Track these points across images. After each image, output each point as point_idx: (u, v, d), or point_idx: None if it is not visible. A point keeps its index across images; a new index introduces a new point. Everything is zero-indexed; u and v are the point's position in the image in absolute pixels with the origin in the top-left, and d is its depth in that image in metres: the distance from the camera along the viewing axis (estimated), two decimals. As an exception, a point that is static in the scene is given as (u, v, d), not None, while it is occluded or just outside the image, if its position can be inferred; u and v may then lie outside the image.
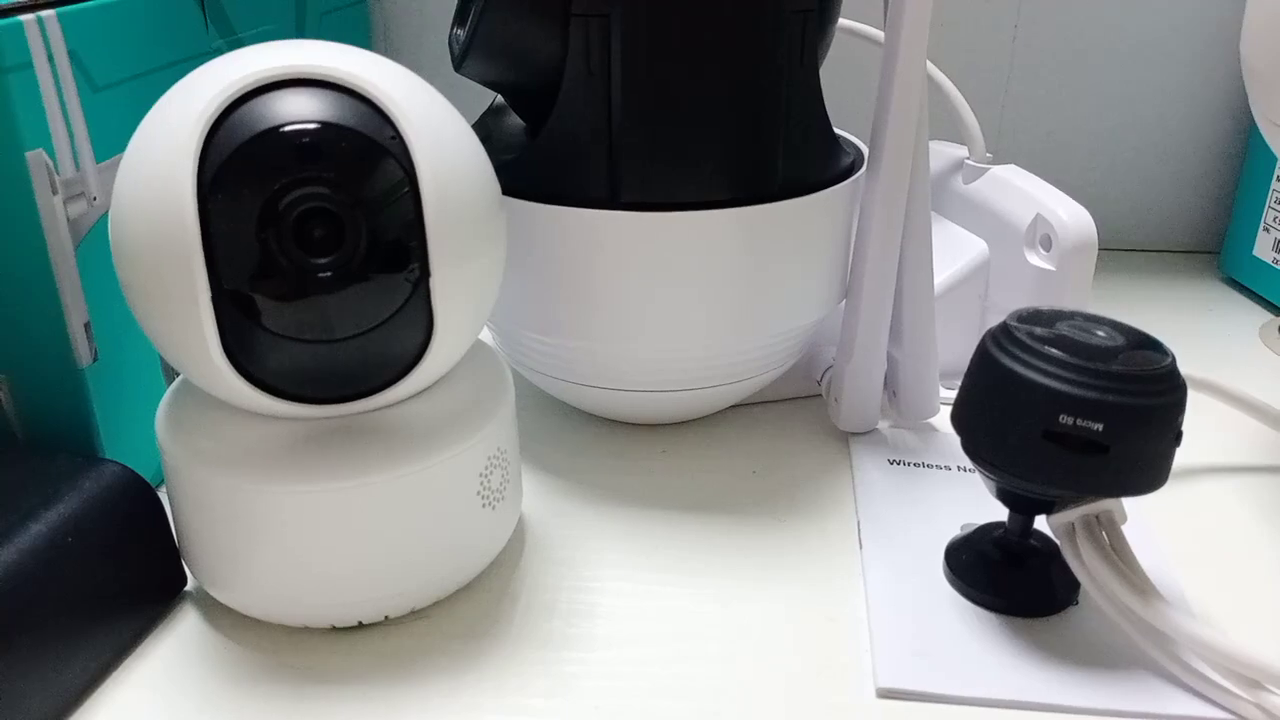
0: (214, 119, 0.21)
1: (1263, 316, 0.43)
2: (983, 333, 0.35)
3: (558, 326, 0.30)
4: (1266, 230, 0.43)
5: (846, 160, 0.31)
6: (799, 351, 0.33)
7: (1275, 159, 0.43)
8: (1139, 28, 0.46)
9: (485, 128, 0.32)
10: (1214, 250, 0.49)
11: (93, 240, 0.28)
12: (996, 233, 0.35)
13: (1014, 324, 0.25)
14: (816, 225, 0.29)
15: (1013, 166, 0.36)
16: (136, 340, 0.29)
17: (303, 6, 0.40)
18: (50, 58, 0.26)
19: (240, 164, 0.21)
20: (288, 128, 0.21)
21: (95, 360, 0.28)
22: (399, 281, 0.22)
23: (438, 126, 0.23)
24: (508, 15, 0.27)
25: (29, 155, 0.25)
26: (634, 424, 0.34)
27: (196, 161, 0.21)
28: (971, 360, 0.25)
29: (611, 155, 0.27)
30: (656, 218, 0.27)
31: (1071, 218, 0.32)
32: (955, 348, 0.34)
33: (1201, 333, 0.42)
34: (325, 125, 0.21)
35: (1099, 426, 0.22)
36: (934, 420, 0.34)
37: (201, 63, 0.31)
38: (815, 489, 0.31)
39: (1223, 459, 0.32)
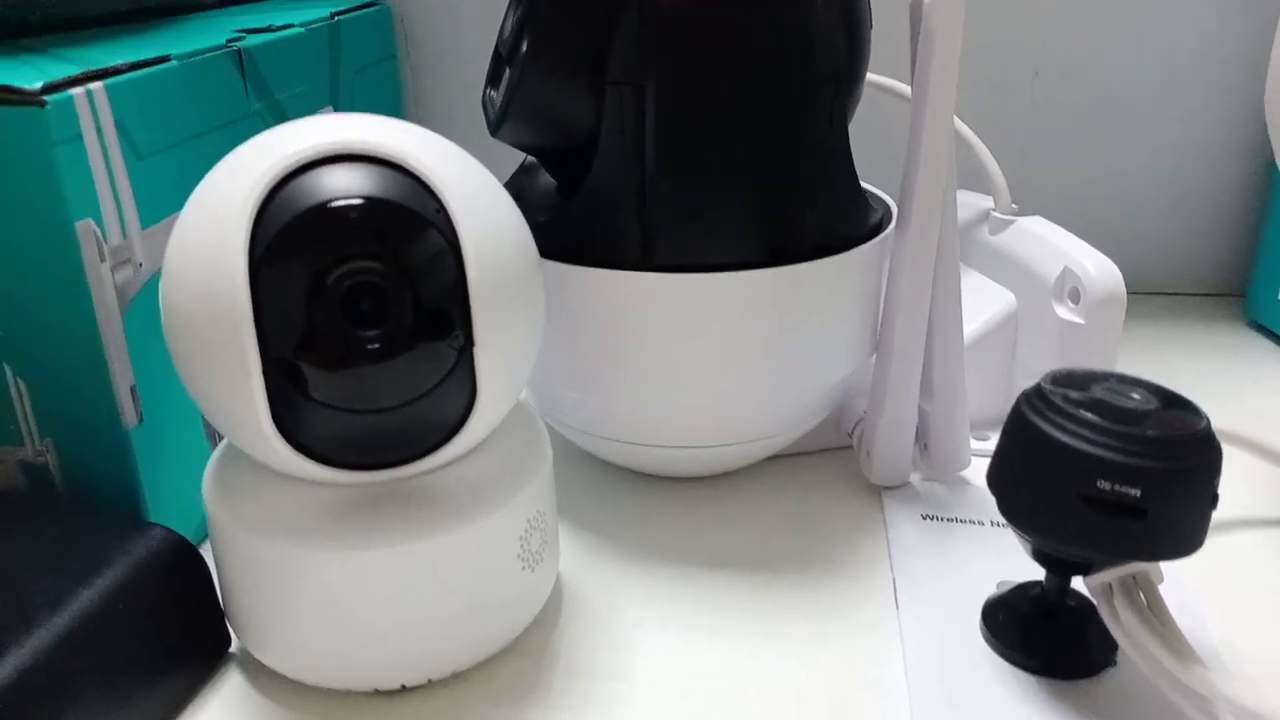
0: (264, 195, 0.22)
1: (1292, 363, 0.43)
2: (1012, 386, 0.36)
3: (589, 383, 0.30)
4: (1293, 276, 0.43)
5: (875, 216, 0.31)
6: (830, 406, 0.33)
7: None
8: (1158, 69, 0.46)
9: (518, 185, 0.33)
10: (1240, 293, 0.49)
11: (139, 305, 0.28)
12: (1024, 284, 0.35)
13: (1048, 387, 0.25)
14: (846, 283, 0.30)
15: (1038, 218, 0.36)
16: (179, 402, 0.30)
17: (336, 66, 0.40)
18: (99, 129, 0.26)
19: (290, 240, 0.21)
20: (336, 203, 0.22)
21: (140, 422, 0.28)
22: (444, 350, 0.22)
23: (478, 196, 0.23)
24: (543, 83, 0.27)
25: (78, 225, 0.26)
26: (667, 478, 0.34)
27: (248, 237, 0.21)
28: (1006, 423, 0.25)
29: (644, 219, 0.27)
30: (689, 279, 0.28)
31: (1099, 270, 0.33)
32: (984, 400, 0.34)
33: (1229, 380, 0.42)
34: (371, 200, 0.22)
35: (1136, 491, 0.22)
36: (965, 472, 0.34)
37: (242, 125, 0.33)
38: (850, 546, 0.31)
39: (1257, 513, 0.32)
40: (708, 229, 0.28)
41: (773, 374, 0.30)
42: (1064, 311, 0.34)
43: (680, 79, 0.26)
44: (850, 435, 0.34)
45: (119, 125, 0.27)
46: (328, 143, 0.22)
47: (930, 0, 0.27)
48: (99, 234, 0.27)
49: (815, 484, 0.34)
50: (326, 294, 0.21)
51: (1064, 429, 0.24)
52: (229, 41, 0.33)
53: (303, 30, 0.37)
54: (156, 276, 0.29)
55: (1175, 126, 0.47)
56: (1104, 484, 0.23)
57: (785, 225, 0.28)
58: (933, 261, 0.30)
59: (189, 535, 0.26)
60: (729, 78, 0.26)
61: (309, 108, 0.38)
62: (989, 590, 0.28)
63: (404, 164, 0.23)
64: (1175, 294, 0.50)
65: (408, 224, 0.22)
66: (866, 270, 0.30)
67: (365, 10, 0.44)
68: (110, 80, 0.27)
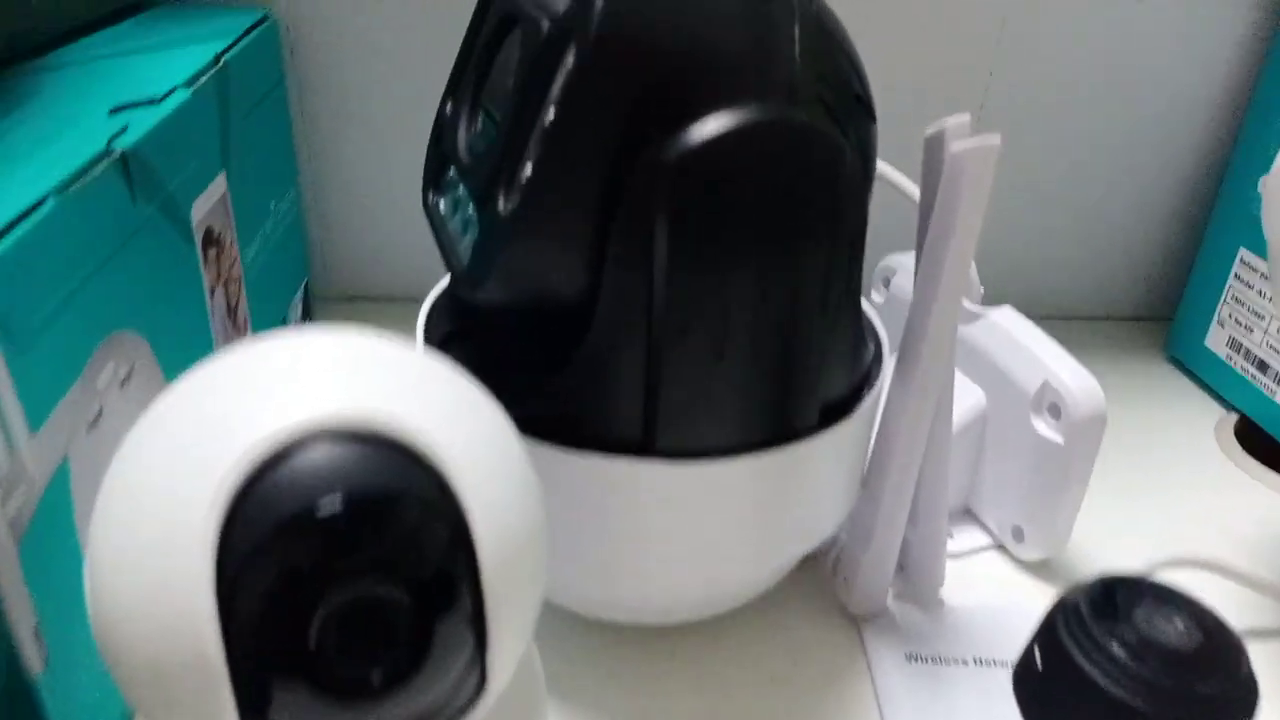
0: (229, 506, 0.17)
1: (1213, 409, 0.44)
2: (975, 484, 0.35)
3: (568, 561, 0.27)
4: (1221, 325, 0.44)
5: (870, 353, 0.29)
6: (813, 542, 0.31)
7: (1236, 245, 0.43)
8: (1109, 91, 0.45)
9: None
10: (1161, 318, 0.49)
11: (36, 528, 0.23)
12: (997, 388, 0.34)
13: (1086, 610, 0.24)
14: (849, 444, 0.28)
15: (1008, 309, 0.35)
16: (88, 636, 0.25)
17: (226, 120, 0.34)
18: (-27, 342, 0.21)
19: (268, 567, 0.17)
20: (323, 508, 0.18)
21: (46, 667, 0.24)
22: (455, 660, 0.19)
23: (486, 458, 0.20)
24: (531, 249, 0.23)
25: (-41, 471, 0.21)
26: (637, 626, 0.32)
27: (213, 565, 0.17)
28: (1040, 633, 0.25)
29: (648, 404, 0.24)
30: (693, 467, 0.25)
31: (1082, 390, 0.32)
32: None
33: (1154, 428, 0.42)
34: (367, 500, 0.18)
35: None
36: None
37: (132, 244, 0.27)
38: (836, 696, 0.30)
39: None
40: (716, 413, 0.25)
41: (767, 544, 0.28)
42: (1043, 427, 0.33)
43: (692, 255, 0.23)
44: (827, 560, 0.33)
45: (-5, 323, 0.22)
46: (301, 422, 0.18)
47: (962, 150, 0.24)
48: (-15, 466, 0.21)
49: (789, 613, 0.33)
50: (321, 629, 0.18)
51: (1098, 664, 0.23)
52: (110, 142, 0.27)
53: (189, 94, 0.31)
54: (51, 490, 0.24)
55: (1115, 151, 0.46)
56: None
57: (796, 403, 0.25)
58: (933, 409, 0.28)
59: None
60: (742, 252, 0.23)
61: (201, 183, 0.32)
62: (983, 750, 0.28)
63: (397, 438, 0.19)
64: (1095, 318, 0.50)
65: (407, 525, 0.18)
66: (866, 423, 0.28)
67: (253, 34, 0.37)
68: (-23, 273, 0.21)
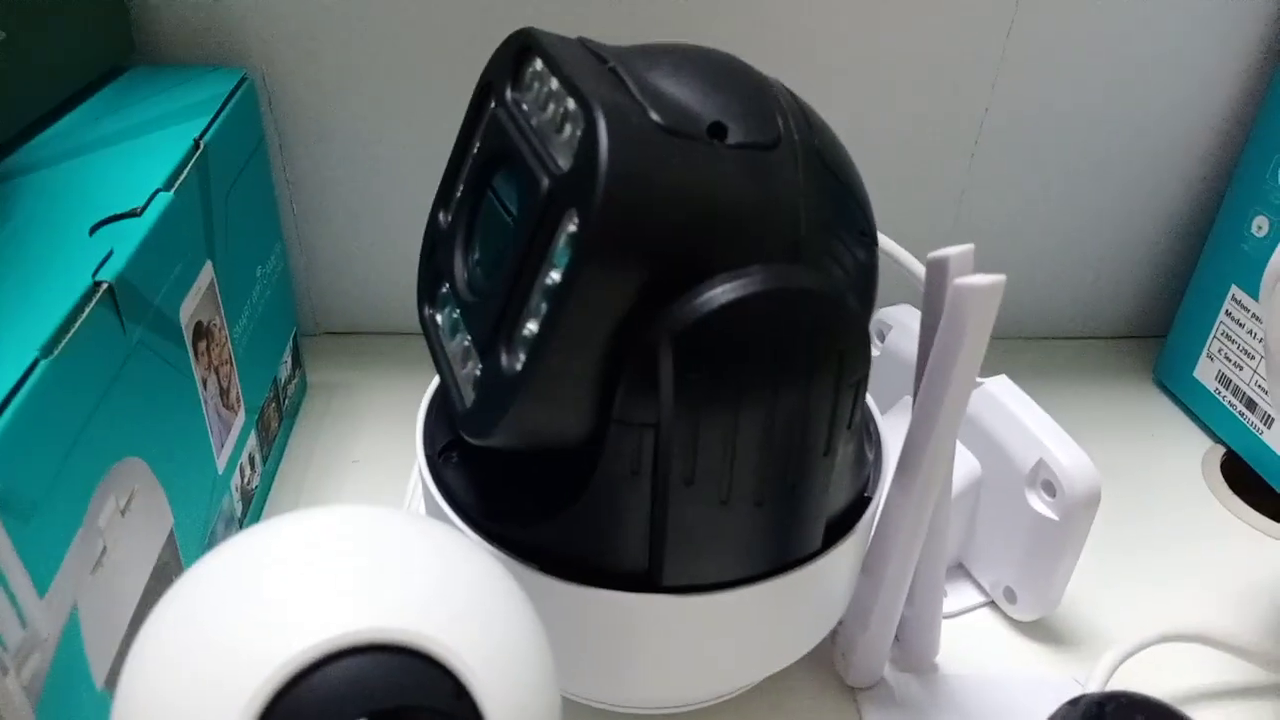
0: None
1: (1200, 440, 0.45)
2: (967, 552, 0.35)
3: (573, 671, 0.28)
4: (1211, 359, 0.44)
5: (870, 461, 0.29)
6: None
7: (1228, 283, 0.43)
8: (1111, 108, 0.44)
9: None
10: (1150, 335, 0.50)
11: (51, 685, 0.23)
12: (992, 458, 0.34)
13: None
14: (849, 558, 0.28)
15: (1004, 380, 0.35)
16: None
17: (209, 209, 0.33)
18: (-21, 531, 0.21)
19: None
20: (347, 725, 0.18)
21: (71, 810, 0.24)
22: None
23: (505, 659, 0.20)
24: (537, 409, 0.23)
25: (-27, 661, 0.21)
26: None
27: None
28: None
29: (652, 547, 0.24)
30: (696, 600, 0.25)
31: (1077, 470, 0.32)
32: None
33: (1141, 458, 0.43)
34: (384, 715, 0.18)
35: None
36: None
37: (123, 376, 0.27)
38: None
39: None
40: (721, 552, 0.25)
41: (773, 651, 0.28)
42: (1037, 503, 0.33)
43: (700, 416, 0.22)
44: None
45: (1, 507, 0.21)
46: (318, 644, 0.18)
47: (967, 287, 0.24)
48: (0, 652, 0.21)
49: (791, 683, 0.33)
50: None
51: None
52: (96, 273, 0.26)
53: (171, 196, 0.30)
54: (63, 643, 0.24)
55: (1115, 161, 0.46)
56: None
57: (801, 535, 0.26)
58: (931, 510, 0.29)
59: None
60: (759, 413, 0.23)
61: (187, 282, 0.31)
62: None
63: (415, 647, 0.19)
64: (1089, 338, 0.50)
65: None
66: (868, 530, 0.29)
67: (231, 102, 0.36)
68: (-20, 460, 0.21)
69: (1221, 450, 0.44)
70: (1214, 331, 0.44)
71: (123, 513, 0.27)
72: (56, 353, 0.24)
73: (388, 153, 0.44)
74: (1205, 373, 0.44)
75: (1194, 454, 0.44)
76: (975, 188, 0.45)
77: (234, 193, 0.36)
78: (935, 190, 0.46)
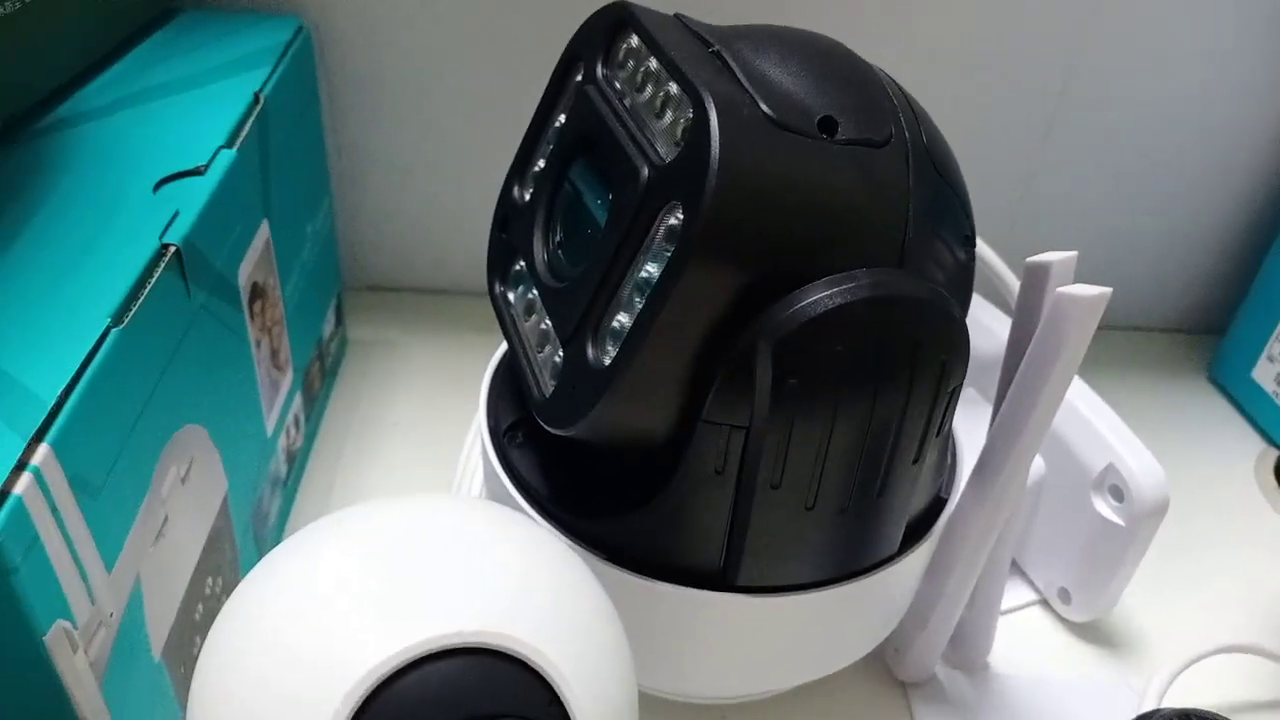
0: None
1: (1254, 442, 0.44)
2: (1025, 553, 0.34)
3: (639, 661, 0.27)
4: (1271, 360, 0.43)
5: (948, 467, 0.28)
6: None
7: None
8: (1179, 102, 0.43)
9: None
10: (1205, 331, 0.49)
11: (115, 660, 0.23)
12: (1058, 457, 0.34)
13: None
14: (923, 560, 0.28)
15: (1076, 379, 0.34)
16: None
17: (266, 164, 0.32)
18: (53, 508, 0.20)
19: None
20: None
21: (130, 778, 0.24)
22: None
23: (591, 659, 0.19)
24: (623, 408, 0.22)
25: (47, 639, 0.20)
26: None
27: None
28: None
29: (729, 547, 0.24)
30: (769, 600, 0.25)
31: (1147, 476, 0.31)
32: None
33: (1193, 458, 0.42)
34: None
35: None
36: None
37: (186, 343, 0.26)
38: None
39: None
40: (799, 555, 0.24)
41: (840, 649, 0.28)
42: (1103, 507, 0.32)
43: (797, 422, 0.22)
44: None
45: (73, 481, 0.21)
46: (405, 649, 0.18)
47: (1070, 297, 0.23)
48: (70, 629, 0.21)
49: (843, 677, 0.33)
50: None
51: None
52: (163, 235, 0.25)
53: (234, 155, 0.29)
54: (127, 616, 0.23)
55: (1182, 156, 0.45)
56: None
57: (880, 540, 0.25)
58: (1004, 520, 0.28)
59: None
60: (854, 421, 0.22)
61: (245, 243, 0.31)
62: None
63: (502, 650, 0.18)
64: (1144, 329, 0.49)
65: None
66: (938, 537, 0.28)
67: (288, 54, 0.35)
68: (55, 433, 0.20)
69: (1276, 454, 0.43)
70: (1276, 332, 0.43)
71: (183, 481, 0.27)
72: (127, 321, 0.23)
73: (438, 108, 0.43)
74: (1264, 374, 0.43)
75: (1248, 457, 0.43)
76: (1043, 172, 0.44)
77: (289, 148, 0.35)
78: (1002, 173, 0.44)
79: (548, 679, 0.18)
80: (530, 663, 0.18)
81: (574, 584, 0.20)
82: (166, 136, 0.29)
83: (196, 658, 0.19)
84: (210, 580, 0.29)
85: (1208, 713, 0.25)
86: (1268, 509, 0.41)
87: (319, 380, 0.41)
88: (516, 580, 0.19)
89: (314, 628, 0.18)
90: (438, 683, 0.18)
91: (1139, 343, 0.49)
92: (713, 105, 0.20)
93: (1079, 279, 0.24)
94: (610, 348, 0.22)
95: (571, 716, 0.18)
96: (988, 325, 0.35)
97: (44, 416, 0.20)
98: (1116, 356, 0.47)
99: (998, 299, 0.36)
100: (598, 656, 0.20)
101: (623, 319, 0.22)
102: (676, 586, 0.25)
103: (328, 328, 0.42)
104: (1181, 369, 0.48)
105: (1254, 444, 0.44)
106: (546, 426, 0.24)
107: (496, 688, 0.18)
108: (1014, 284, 0.34)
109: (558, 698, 0.18)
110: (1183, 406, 0.46)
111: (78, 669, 0.21)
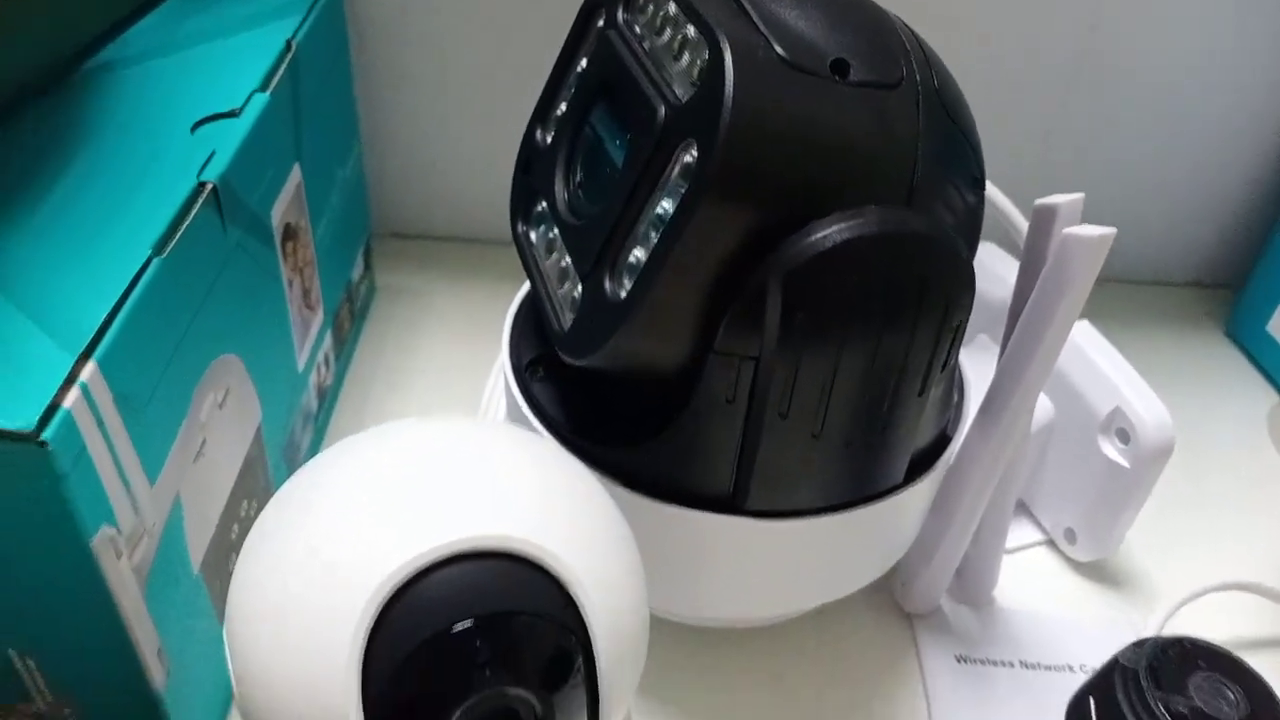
0: (372, 623, 0.18)
1: (1268, 394, 0.44)
2: (1031, 493, 0.35)
3: (654, 583, 0.28)
4: (1286, 314, 0.43)
5: (954, 403, 0.29)
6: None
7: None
8: (1197, 56, 0.43)
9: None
10: (1223, 286, 0.49)
11: (157, 568, 0.24)
12: (1067, 401, 0.34)
13: (1145, 676, 0.25)
14: (928, 491, 0.28)
15: (1085, 324, 0.35)
16: (199, 645, 0.27)
17: (298, 109, 0.33)
18: (100, 423, 0.21)
19: (409, 679, 0.19)
20: (459, 627, 0.19)
21: (167, 678, 0.26)
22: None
23: (605, 567, 0.21)
24: (639, 339, 0.23)
25: (93, 542, 0.22)
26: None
27: (359, 678, 0.18)
28: (1097, 686, 0.26)
29: (739, 473, 0.25)
30: (777, 525, 0.26)
31: (1153, 419, 0.32)
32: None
33: (1207, 409, 0.43)
34: (497, 618, 0.19)
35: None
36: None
37: (222, 279, 0.27)
38: (887, 693, 0.32)
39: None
40: (806, 481, 0.25)
41: (846, 576, 0.29)
42: (1109, 449, 0.33)
43: (806, 353, 0.23)
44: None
45: (118, 398, 0.22)
46: (431, 549, 0.19)
47: (1075, 237, 0.24)
48: (116, 536, 0.22)
49: (851, 607, 0.34)
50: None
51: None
52: (200, 173, 0.26)
53: (267, 98, 0.30)
54: (168, 529, 0.25)
55: (1202, 114, 0.45)
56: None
57: (885, 470, 0.26)
58: (1009, 456, 0.29)
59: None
60: (860, 353, 0.23)
61: (278, 185, 0.32)
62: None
63: (522, 554, 0.20)
64: (1163, 284, 0.50)
65: (540, 640, 0.19)
66: (943, 472, 0.29)
67: (319, 3, 0.36)
68: (101, 351, 0.21)
69: (1288, 405, 0.44)
70: (1294, 286, 0.43)
71: (220, 406, 0.28)
72: (167, 252, 0.24)
73: (465, 57, 0.44)
74: (1278, 328, 0.44)
75: (1261, 408, 0.44)
76: (1065, 125, 0.44)
77: (320, 95, 0.36)
78: (1025, 125, 0.45)
79: (563, 583, 0.20)
80: (548, 567, 0.19)
81: (589, 497, 0.21)
82: (203, 81, 0.30)
83: (228, 597, 0.21)
84: (245, 503, 0.30)
85: (1199, 640, 0.26)
86: (1278, 459, 0.41)
87: (348, 322, 0.42)
88: (537, 491, 0.21)
89: (348, 527, 0.19)
90: (463, 582, 0.19)
91: (1159, 297, 0.49)
92: (728, 47, 0.21)
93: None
94: (627, 281, 0.23)
95: (585, 617, 0.20)
96: (1002, 275, 0.36)
97: (91, 336, 0.22)
98: (1136, 310, 0.48)
99: (1013, 248, 0.37)
100: (611, 565, 0.21)
101: (639, 254, 0.23)
102: (689, 510, 0.26)
103: (357, 272, 0.43)
104: (1200, 323, 0.48)
105: (1268, 396, 0.44)
106: (565, 357, 0.25)
107: (517, 588, 0.19)
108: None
109: (573, 601, 0.20)
110: (1199, 360, 0.46)
111: (122, 574, 0.23)
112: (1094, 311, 0.36)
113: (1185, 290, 0.50)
